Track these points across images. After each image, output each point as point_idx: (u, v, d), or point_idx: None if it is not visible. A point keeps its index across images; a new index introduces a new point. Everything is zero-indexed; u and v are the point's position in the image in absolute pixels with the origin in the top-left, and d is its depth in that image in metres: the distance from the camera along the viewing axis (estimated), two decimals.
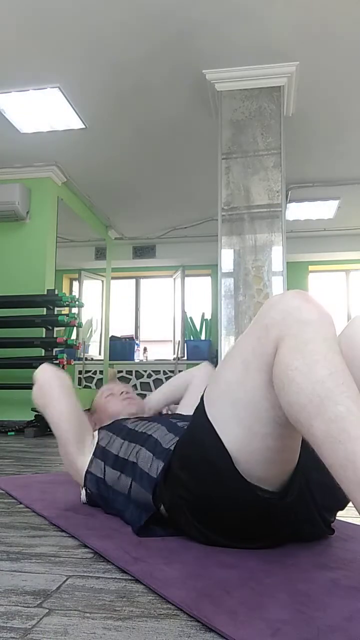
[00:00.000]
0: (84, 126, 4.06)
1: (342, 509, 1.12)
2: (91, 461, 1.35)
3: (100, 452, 1.35)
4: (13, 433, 4.13)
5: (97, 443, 1.38)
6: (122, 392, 1.64)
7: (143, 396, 1.79)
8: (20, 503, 1.53)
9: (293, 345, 0.84)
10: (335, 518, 1.15)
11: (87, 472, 1.34)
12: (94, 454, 1.35)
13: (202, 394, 1.06)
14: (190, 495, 1.03)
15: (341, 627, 0.71)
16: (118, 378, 6.77)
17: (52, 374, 1.41)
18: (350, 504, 1.02)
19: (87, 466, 1.35)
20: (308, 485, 1.04)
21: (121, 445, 1.32)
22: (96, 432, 1.43)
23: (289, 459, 0.97)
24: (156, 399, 1.78)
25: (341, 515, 1.17)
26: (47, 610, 0.78)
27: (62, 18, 2.91)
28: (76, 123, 4.01)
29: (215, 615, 0.74)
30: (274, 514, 0.99)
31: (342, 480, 0.75)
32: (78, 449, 1.36)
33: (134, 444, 1.29)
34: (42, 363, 1.51)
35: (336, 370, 0.80)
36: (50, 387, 1.38)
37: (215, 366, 1.45)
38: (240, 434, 0.93)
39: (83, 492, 1.38)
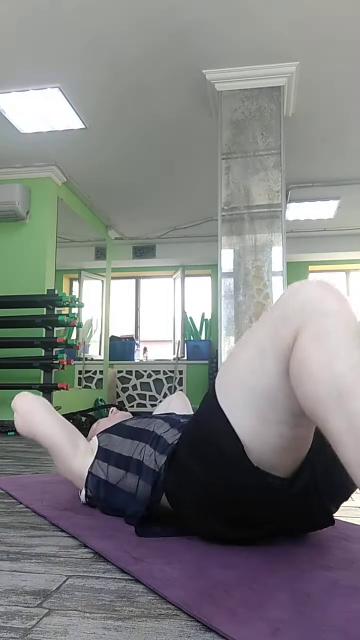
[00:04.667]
0: (84, 126, 4.06)
1: (345, 499, 1.09)
2: (93, 463, 1.34)
3: (102, 454, 1.35)
4: (13, 433, 4.12)
5: (99, 446, 1.38)
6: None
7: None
8: (20, 503, 1.53)
9: (312, 336, 0.80)
10: (337, 509, 1.13)
11: (89, 473, 1.34)
12: (96, 456, 1.35)
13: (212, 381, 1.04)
14: (197, 482, 1.02)
15: (341, 627, 0.71)
16: (118, 378, 6.77)
17: (29, 398, 1.47)
18: (353, 495, 1.01)
19: (88, 467, 1.35)
20: (314, 473, 1.01)
21: (123, 444, 1.32)
22: (95, 438, 1.43)
23: (301, 447, 0.95)
24: None
25: (341, 516, 1.16)
26: (47, 610, 0.78)
27: (62, 18, 2.91)
28: (76, 123, 4.01)
29: (215, 615, 0.74)
30: (282, 501, 0.97)
31: None
32: (72, 452, 1.37)
33: (138, 442, 1.29)
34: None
35: (357, 364, 0.76)
36: (30, 411, 1.43)
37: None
38: (252, 421, 0.91)
39: (83, 493, 1.38)
